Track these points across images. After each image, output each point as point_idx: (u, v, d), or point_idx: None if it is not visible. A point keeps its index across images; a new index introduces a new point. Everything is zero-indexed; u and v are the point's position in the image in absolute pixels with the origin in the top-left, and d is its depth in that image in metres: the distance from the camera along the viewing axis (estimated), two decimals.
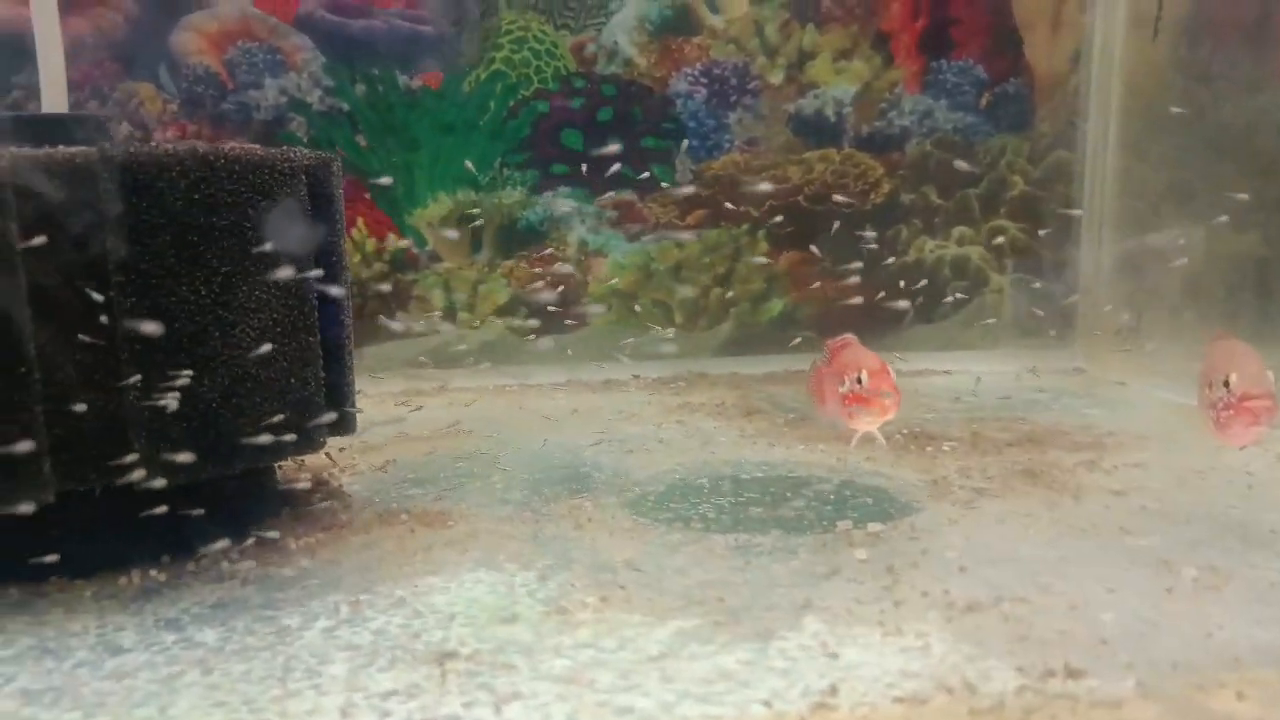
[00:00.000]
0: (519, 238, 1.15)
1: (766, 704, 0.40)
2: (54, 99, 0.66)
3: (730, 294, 1.16)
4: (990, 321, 1.18)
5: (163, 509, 0.53)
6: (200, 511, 0.55)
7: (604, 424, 0.90)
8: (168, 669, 0.45)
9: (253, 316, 0.54)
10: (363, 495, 0.70)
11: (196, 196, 0.53)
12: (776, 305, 1.17)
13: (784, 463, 0.76)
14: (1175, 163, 1.07)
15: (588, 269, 1.15)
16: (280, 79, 1.10)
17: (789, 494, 0.68)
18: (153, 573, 0.55)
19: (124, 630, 0.49)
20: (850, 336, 0.71)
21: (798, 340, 1.13)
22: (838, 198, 1.11)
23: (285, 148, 0.58)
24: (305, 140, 1.11)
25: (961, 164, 1.11)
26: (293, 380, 0.57)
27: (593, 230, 1.15)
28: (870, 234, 1.12)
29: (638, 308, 1.15)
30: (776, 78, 1.13)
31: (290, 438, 0.57)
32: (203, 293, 0.52)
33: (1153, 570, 0.54)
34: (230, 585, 0.54)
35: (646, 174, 1.12)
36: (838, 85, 1.14)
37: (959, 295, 1.17)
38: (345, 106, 1.10)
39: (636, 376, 1.13)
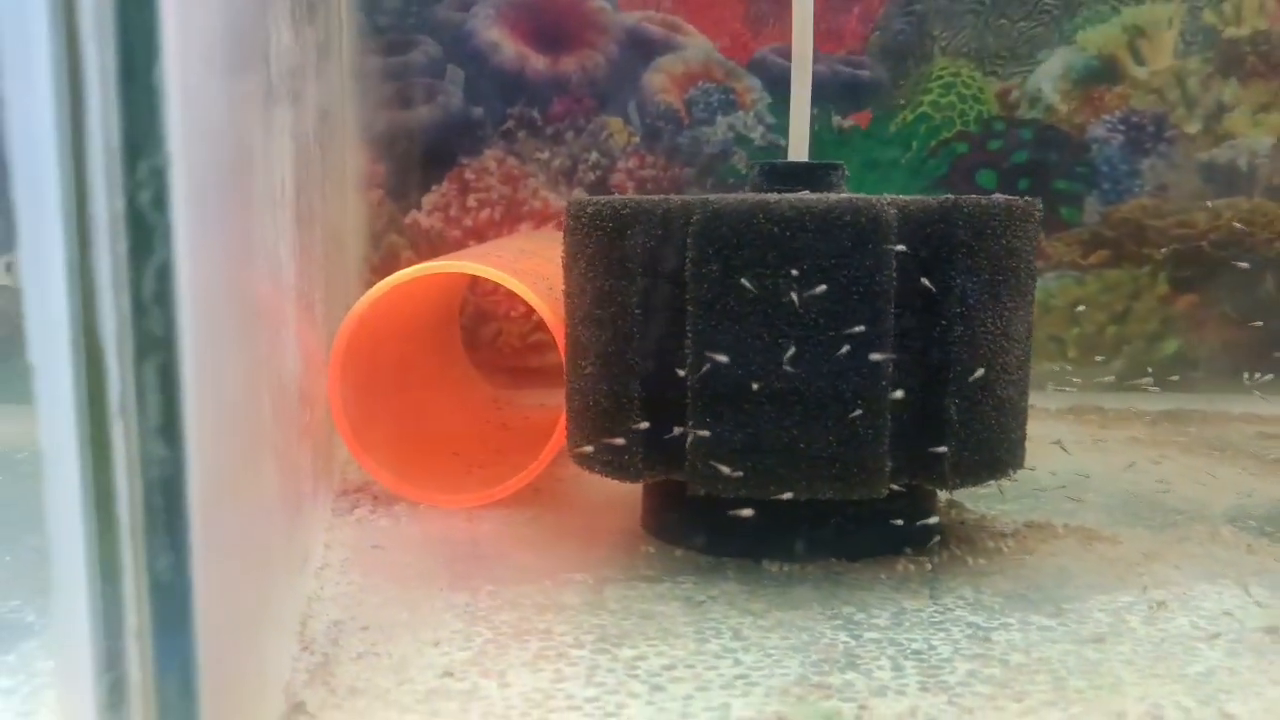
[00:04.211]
0: None
1: None
2: (798, 148, 0.75)
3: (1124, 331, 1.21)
4: None
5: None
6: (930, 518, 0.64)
7: (1084, 452, 0.95)
8: (1052, 646, 0.52)
9: (1020, 345, 0.63)
10: (974, 508, 0.77)
11: (1005, 241, 0.61)
12: (1171, 344, 1.22)
13: None
14: None
15: None
16: (729, 115, 1.19)
17: None
18: (913, 565, 0.63)
19: (956, 609, 0.56)
20: None
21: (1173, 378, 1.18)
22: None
23: (1024, 198, 0.65)
24: (743, 170, 1.20)
25: None
26: (1023, 403, 0.65)
27: None
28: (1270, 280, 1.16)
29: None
30: (1193, 128, 1.19)
31: (1022, 453, 0.65)
32: (998, 322, 0.61)
33: None
34: (994, 579, 0.61)
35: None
36: (1254, 137, 1.19)
37: None
38: (783, 142, 1.19)
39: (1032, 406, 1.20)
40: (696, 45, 1.18)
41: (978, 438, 0.60)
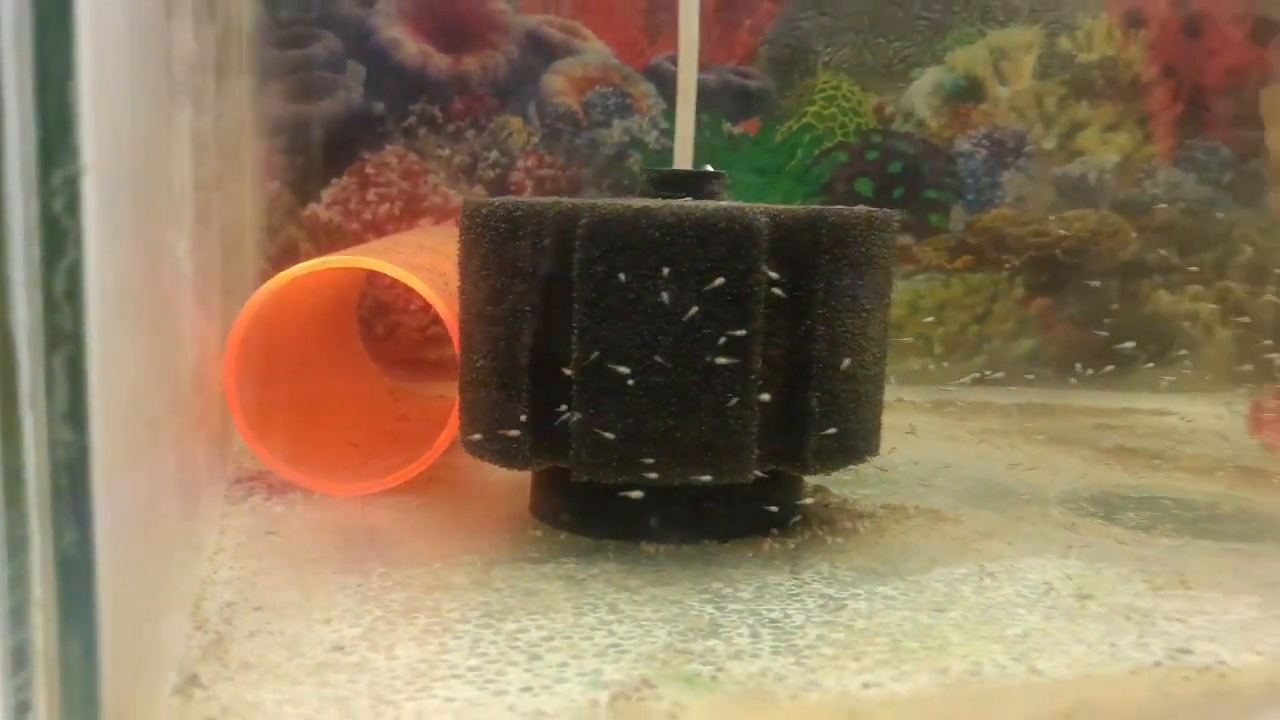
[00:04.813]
0: None
1: None
2: (684, 157, 0.78)
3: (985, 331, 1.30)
4: (1215, 373, 1.32)
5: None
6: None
7: (927, 443, 1.03)
8: (893, 613, 0.57)
9: (877, 343, 0.68)
10: (839, 493, 0.83)
11: (864, 248, 0.66)
12: (1026, 344, 1.31)
13: (1152, 485, 0.89)
14: None
15: None
16: (625, 120, 1.23)
17: (1196, 512, 0.81)
18: (777, 545, 0.68)
19: (813, 582, 0.61)
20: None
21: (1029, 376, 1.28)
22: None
23: (883, 209, 0.71)
24: (638, 172, 1.24)
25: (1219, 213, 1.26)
26: (879, 395, 0.71)
27: None
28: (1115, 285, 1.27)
29: (907, 339, 1.29)
30: (1049, 144, 1.28)
31: (877, 440, 0.71)
32: (857, 322, 0.66)
33: None
34: (849, 555, 0.66)
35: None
36: (1102, 154, 1.28)
37: (1184, 351, 1.31)
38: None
39: (900, 400, 1.27)
40: (594, 50, 1.21)
41: (837, 428, 0.65)
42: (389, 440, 0.95)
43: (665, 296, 0.60)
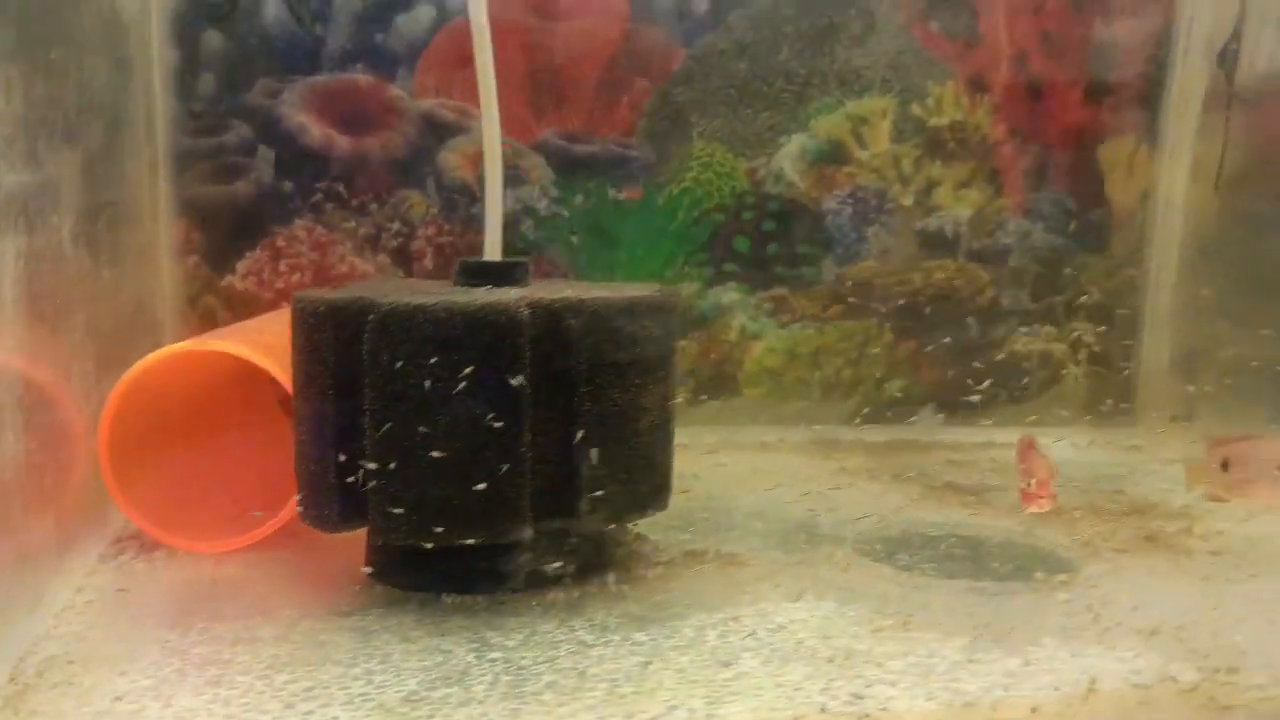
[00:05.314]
0: (693, 322, 1.34)
1: (1055, 688, 0.59)
2: (493, 245, 0.85)
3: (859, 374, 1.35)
4: (1069, 408, 1.37)
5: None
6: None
7: (784, 483, 1.08)
8: (630, 659, 0.62)
9: (652, 412, 0.74)
10: (654, 538, 0.87)
11: (630, 329, 0.72)
12: (896, 385, 1.36)
13: (951, 523, 0.94)
14: (1223, 279, 1.27)
15: (745, 350, 1.34)
16: (517, 190, 1.29)
17: (977, 550, 0.86)
18: (563, 594, 0.73)
19: (579, 630, 0.67)
20: (1030, 437, 0.96)
21: (914, 419, 1.34)
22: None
23: (658, 289, 0.77)
24: (532, 238, 1.31)
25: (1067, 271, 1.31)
26: (660, 456, 0.76)
27: (752, 319, 1.35)
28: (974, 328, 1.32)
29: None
30: (908, 201, 1.33)
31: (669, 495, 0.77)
32: (625, 396, 0.72)
33: (1261, 606, 0.72)
34: (626, 603, 0.72)
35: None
36: (957, 208, 1.34)
37: (1027, 378, 1.36)
38: (565, 213, 1.30)
39: (781, 440, 1.32)
40: None
41: (606, 490, 0.71)
42: (278, 498, 1.01)
43: (439, 382, 0.66)
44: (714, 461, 1.19)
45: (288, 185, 1.23)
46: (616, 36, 1.29)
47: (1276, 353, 1.18)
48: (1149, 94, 1.34)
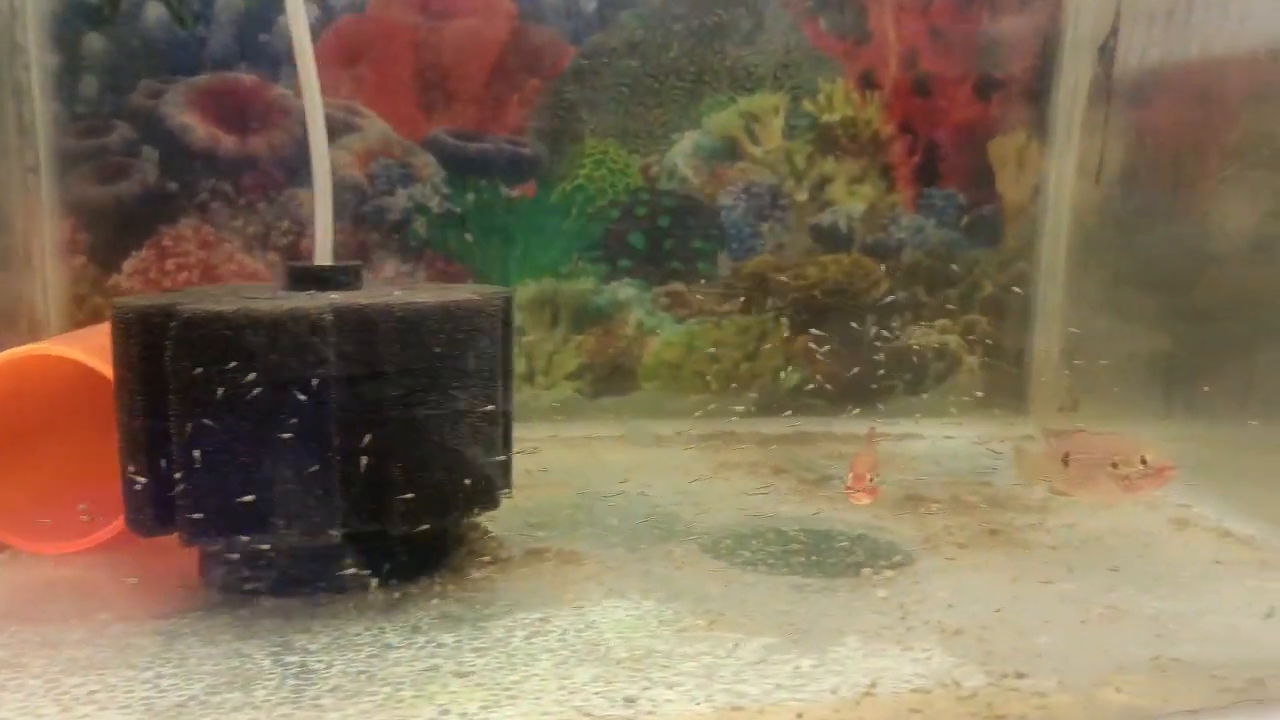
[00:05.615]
0: (589, 317, 1.34)
1: (833, 691, 0.59)
2: (323, 250, 0.84)
3: (755, 367, 1.35)
4: (966, 398, 1.38)
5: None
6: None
7: (665, 477, 1.08)
8: (426, 662, 0.63)
9: (471, 416, 0.73)
10: (505, 536, 0.87)
11: (443, 333, 0.72)
12: (793, 378, 1.37)
13: (812, 518, 0.94)
14: (1106, 272, 1.28)
15: (643, 345, 1.34)
16: (409, 188, 1.29)
17: (821, 544, 0.87)
18: (384, 594, 0.73)
19: (387, 632, 0.67)
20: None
21: (788, 413, 1.34)
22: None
23: (491, 290, 0.77)
24: (425, 236, 1.30)
25: (954, 268, 1.32)
26: (485, 456, 0.76)
27: (649, 313, 1.35)
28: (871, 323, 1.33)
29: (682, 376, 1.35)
30: (801, 196, 1.33)
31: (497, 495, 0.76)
32: (440, 399, 0.72)
33: (1074, 606, 0.73)
34: (446, 603, 0.72)
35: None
36: (850, 204, 1.34)
37: (923, 370, 1.37)
38: (458, 210, 1.29)
39: (678, 433, 1.33)
40: (375, 127, 1.27)
41: (417, 492, 0.71)
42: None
43: (238, 388, 0.66)
44: (603, 456, 1.19)
45: (172, 185, 1.23)
46: (505, 35, 1.29)
47: (1155, 344, 1.19)
48: (1037, 89, 1.35)
